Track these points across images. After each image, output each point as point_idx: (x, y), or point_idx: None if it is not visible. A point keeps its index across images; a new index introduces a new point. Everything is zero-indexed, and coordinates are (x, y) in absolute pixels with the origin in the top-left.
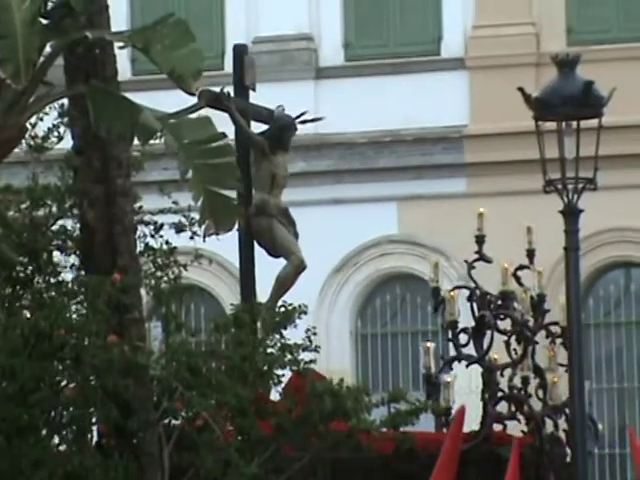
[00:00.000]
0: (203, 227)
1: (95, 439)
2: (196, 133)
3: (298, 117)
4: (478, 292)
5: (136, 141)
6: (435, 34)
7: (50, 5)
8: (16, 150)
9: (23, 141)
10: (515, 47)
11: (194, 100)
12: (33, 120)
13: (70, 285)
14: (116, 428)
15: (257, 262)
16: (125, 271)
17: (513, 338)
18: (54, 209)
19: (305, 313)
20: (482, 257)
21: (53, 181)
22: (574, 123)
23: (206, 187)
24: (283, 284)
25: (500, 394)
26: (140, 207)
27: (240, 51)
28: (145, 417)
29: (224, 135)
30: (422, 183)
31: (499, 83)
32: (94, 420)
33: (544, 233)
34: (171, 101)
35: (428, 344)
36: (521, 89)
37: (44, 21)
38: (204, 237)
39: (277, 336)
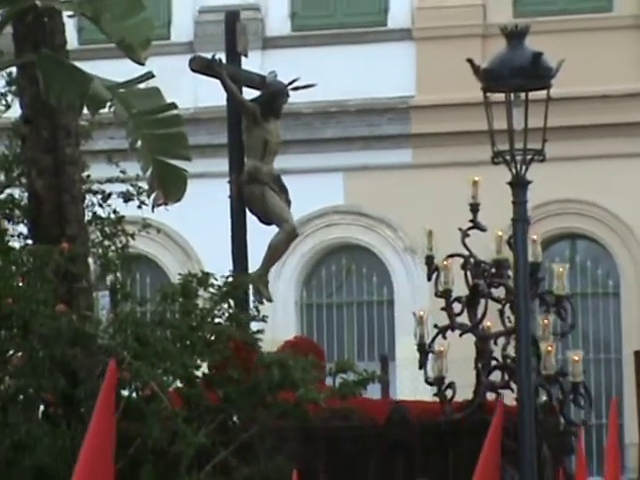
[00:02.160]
0: (152, 197)
1: (42, 408)
2: (145, 103)
3: (290, 83)
4: (472, 260)
5: (85, 110)
6: (382, 5)
7: None
8: None
9: None
10: (462, 18)
11: (142, 70)
12: None
13: (18, 254)
14: (64, 397)
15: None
16: (73, 240)
17: (507, 307)
18: (2, 178)
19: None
20: (476, 225)
21: (1, 150)
22: (522, 94)
23: (155, 157)
24: (275, 251)
25: (494, 363)
26: (88, 176)
27: (232, 18)
28: (93, 386)
29: (174, 105)
30: (368, 154)
31: (446, 54)
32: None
33: (492, 204)
34: (118, 70)
35: (421, 312)
36: (470, 60)
37: None
38: (153, 207)
39: (225, 306)
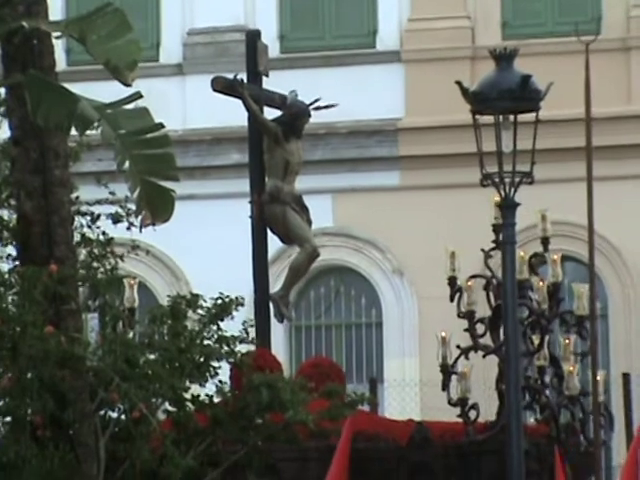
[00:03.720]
0: (140, 218)
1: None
2: (133, 123)
3: (312, 104)
4: (495, 281)
5: (73, 131)
6: (371, 27)
7: None
8: None
9: None
10: (450, 41)
11: (130, 91)
12: None
13: (7, 276)
14: (52, 419)
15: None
16: (62, 262)
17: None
18: None
19: (242, 305)
20: (499, 246)
21: None
22: (511, 117)
23: (143, 178)
24: (296, 272)
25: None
26: (77, 198)
27: (253, 37)
28: (81, 408)
29: (161, 125)
30: (357, 176)
31: (434, 76)
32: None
33: (480, 226)
34: (106, 92)
35: (443, 334)
36: (459, 82)
37: None
38: (141, 228)
39: (214, 328)
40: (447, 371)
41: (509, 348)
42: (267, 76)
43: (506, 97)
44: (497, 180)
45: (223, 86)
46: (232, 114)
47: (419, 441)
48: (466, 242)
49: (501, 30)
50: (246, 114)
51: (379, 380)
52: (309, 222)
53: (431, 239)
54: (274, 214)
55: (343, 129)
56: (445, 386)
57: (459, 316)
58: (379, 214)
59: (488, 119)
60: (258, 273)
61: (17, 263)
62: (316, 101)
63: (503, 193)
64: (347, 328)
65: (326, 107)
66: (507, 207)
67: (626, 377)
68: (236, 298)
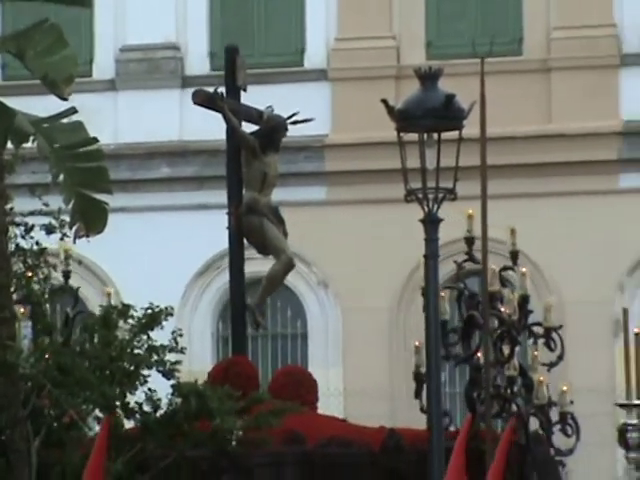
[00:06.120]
0: (74, 229)
1: None
2: (68, 137)
3: (289, 118)
4: (466, 292)
5: (9, 144)
6: (298, 46)
7: None
8: None
9: None
10: (376, 60)
11: (64, 105)
12: None
13: None
14: None
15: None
16: None
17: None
18: None
19: (171, 315)
20: (471, 258)
21: None
22: (435, 135)
23: (77, 190)
24: (273, 281)
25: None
26: (11, 209)
27: (232, 52)
28: (14, 414)
29: (95, 140)
30: (284, 190)
31: (360, 94)
32: None
33: (404, 240)
34: (41, 106)
35: (417, 343)
36: (384, 101)
37: None
38: (74, 239)
39: (144, 337)
40: (420, 379)
41: (431, 356)
42: (245, 90)
43: (430, 115)
44: (421, 196)
45: (203, 99)
46: (163, 129)
47: (392, 447)
48: (390, 256)
49: (425, 50)
50: (176, 129)
51: None
52: (285, 234)
53: (356, 252)
54: (251, 225)
55: None
56: (418, 394)
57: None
58: (306, 228)
59: (413, 137)
60: (234, 283)
61: None
62: (293, 115)
63: (426, 209)
64: (273, 339)
65: (303, 121)
66: (430, 222)
67: None
68: (165, 308)
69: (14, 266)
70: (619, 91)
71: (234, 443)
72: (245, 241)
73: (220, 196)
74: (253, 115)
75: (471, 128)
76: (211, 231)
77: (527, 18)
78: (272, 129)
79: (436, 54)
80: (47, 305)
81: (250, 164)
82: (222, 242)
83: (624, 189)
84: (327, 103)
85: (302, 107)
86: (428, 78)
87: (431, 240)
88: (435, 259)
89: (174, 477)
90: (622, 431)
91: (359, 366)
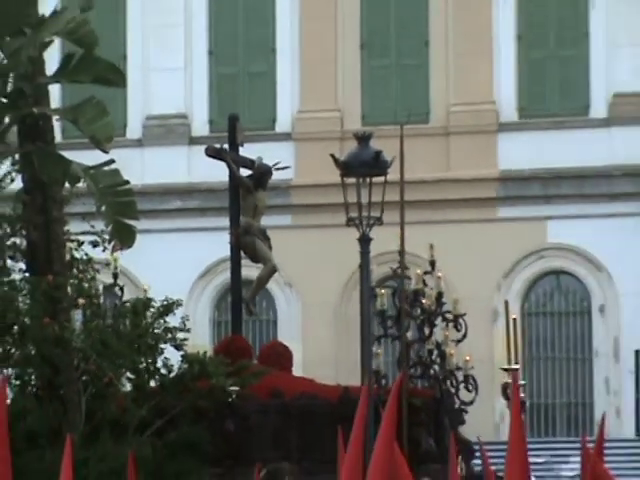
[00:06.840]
0: (112, 244)
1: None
2: (108, 180)
3: (274, 165)
4: (399, 290)
5: (66, 184)
6: (272, 114)
7: (9, 88)
8: None
9: None
10: (327, 125)
11: (107, 157)
12: None
13: (19, 283)
14: (48, 383)
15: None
16: (57, 274)
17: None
18: (8, 230)
19: (181, 305)
20: (401, 266)
21: (8, 211)
22: (368, 179)
23: (114, 217)
24: (260, 281)
25: (412, 361)
26: (68, 230)
27: (233, 119)
28: (69, 375)
29: (127, 182)
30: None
31: (316, 150)
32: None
33: (345, 254)
34: (90, 158)
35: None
36: (332, 155)
37: (4, 100)
38: (112, 251)
39: (162, 321)
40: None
41: (365, 335)
42: (242, 146)
43: (364, 166)
44: (357, 222)
45: (213, 152)
46: (175, 174)
47: (346, 400)
48: (336, 264)
49: (361, 119)
50: (185, 174)
51: None
52: (270, 247)
53: (312, 262)
54: (246, 242)
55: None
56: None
57: (375, 314)
58: (276, 244)
59: (352, 180)
60: (234, 283)
61: (26, 274)
62: (276, 164)
63: (361, 231)
64: (253, 322)
65: (283, 168)
66: (364, 241)
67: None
68: (177, 300)
69: (70, 270)
70: (497, 149)
71: (234, 396)
72: (242, 253)
73: (217, 222)
74: (247, 163)
75: (393, 174)
76: (210, 245)
77: (432, 97)
78: (262, 173)
79: (368, 122)
80: (99, 298)
81: (245, 198)
82: (218, 253)
83: (501, 218)
84: (292, 156)
85: (275, 159)
86: (363, 139)
87: (364, 253)
88: (367, 267)
89: (186, 422)
90: (504, 387)
91: (314, 343)
